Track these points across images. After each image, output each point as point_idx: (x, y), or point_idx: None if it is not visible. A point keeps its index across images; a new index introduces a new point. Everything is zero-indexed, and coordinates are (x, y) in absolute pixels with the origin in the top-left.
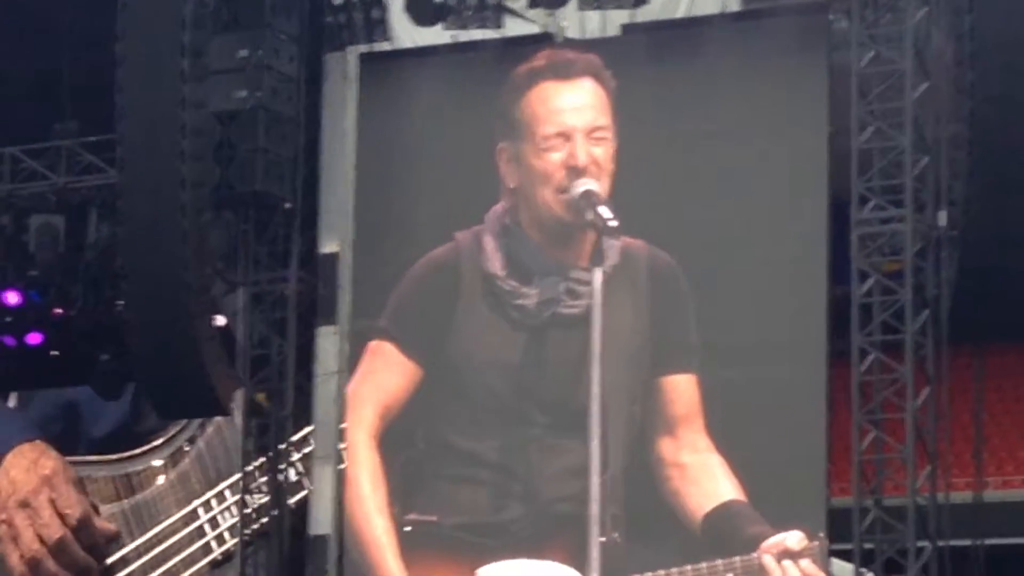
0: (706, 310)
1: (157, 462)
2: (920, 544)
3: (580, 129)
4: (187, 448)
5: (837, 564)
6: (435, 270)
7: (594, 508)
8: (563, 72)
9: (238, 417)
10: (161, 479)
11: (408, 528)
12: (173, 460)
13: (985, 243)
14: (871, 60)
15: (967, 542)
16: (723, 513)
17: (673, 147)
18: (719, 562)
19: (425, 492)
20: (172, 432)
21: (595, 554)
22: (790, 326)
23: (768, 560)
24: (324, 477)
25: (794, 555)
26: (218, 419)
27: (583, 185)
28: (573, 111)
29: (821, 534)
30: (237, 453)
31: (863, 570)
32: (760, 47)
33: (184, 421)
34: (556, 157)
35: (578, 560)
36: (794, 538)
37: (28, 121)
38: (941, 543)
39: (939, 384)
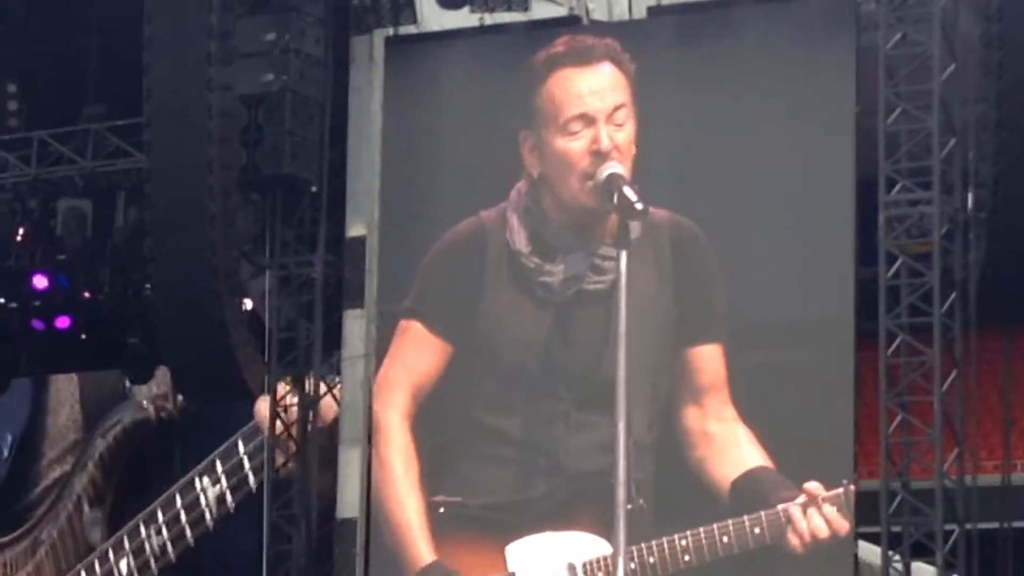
0: (734, 291)
1: (10, 554)
2: (948, 527)
3: (602, 112)
4: (42, 539)
5: (865, 547)
6: (460, 246)
7: (620, 489)
8: (582, 57)
9: (86, 508)
10: (21, 573)
11: (442, 510)
12: (32, 550)
13: (1013, 225)
14: (898, 42)
15: (995, 525)
16: (750, 479)
17: (701, 128)
18: (745, 518)
19: (451, 473)
20: (26, 525)
21: (622, 523)
22: (817, 307)
23: (794, 510)
24: (352, 460)
25: (819, 502)
26: (70, 507)
27: (608, 169)
28: (594, 94)
29: (845, 480)
30: (85, 545)
31: (891, 553)
32: (787, 28)
33: (39, 513)
34: (579, 144)
35: (605, 529)
36: (821, 487)
37: (56, 105)
38: (969, 526)
39: (967, 366)
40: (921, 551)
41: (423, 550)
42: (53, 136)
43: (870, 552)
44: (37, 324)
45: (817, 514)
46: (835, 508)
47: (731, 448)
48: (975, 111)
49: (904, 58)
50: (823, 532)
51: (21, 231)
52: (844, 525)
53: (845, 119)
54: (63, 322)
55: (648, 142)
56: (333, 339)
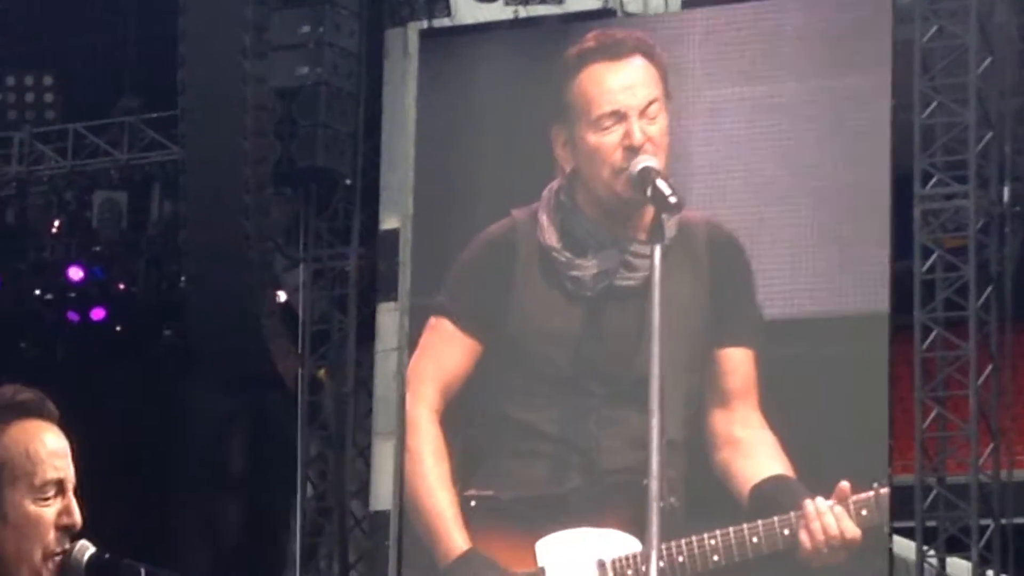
0: (767, 285)
1: None
2: (983, 522)
3: (634, 108)
4: None
5: (899, 542)
6: (492, 246)
7: (654, 483)
8: (613, 52)
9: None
10: None
11: (473, 503)
12: None
13: None
14: (934, 34)
15: None
16: (771, 485)
17: (735, 122)
18: (775, 519)
19: (484, 468)
20: None
21: (655, 519)
22: (852, 301)
23: (821, 504)
24: (385, 453)
25: (850, 502)
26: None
27: (642, 162)
28: (625, 90)
29: (876, 484)
30: None
31: (925, 548)
32: (822, 21)
33: None
34: (612, 138)
35: (636, 526)
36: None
37: (91, 97)
38: (1004, 521)
39: (1003, 360)
40: (956, 546)
41: (457, 539)
42: (89, 128)
43: (905, 547)
44: (72, 316)
45: (844, 513)
46: (867, 510)
47: (754, 455)
48: (1012, 104)
49: (940, 51)
50: (833, 530)
51: (57, 223)
52: (855, 531)
53: (881, 112)
54: (98, 314)
55: (681, 136)
56: (367, 332)
